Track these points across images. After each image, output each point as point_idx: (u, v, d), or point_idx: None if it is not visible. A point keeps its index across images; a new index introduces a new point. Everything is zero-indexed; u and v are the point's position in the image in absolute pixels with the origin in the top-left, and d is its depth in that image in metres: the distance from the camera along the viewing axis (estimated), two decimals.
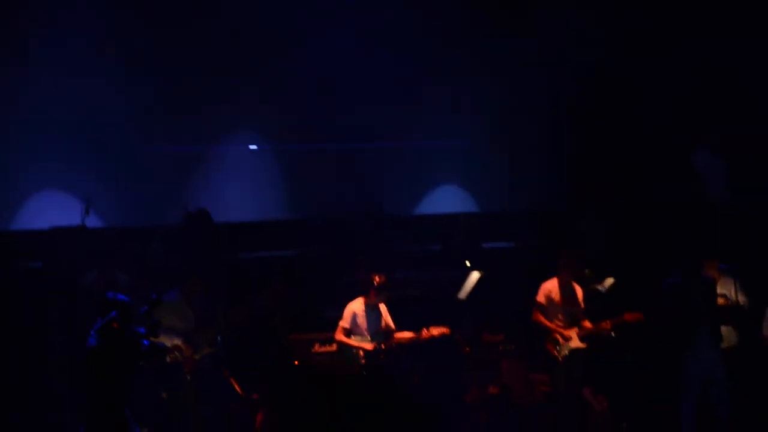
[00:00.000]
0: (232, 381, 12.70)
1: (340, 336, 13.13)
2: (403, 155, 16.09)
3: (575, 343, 13.24)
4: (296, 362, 13.65)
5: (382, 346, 13.00)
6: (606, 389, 13.37)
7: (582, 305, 13.43)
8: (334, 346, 13.41)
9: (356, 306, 13.17)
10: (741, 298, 13.45)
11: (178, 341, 12.55)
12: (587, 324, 13.33)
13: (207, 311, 12.90)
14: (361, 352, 13.00)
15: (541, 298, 13.35)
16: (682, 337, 11.84)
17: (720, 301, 12.45)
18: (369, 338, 13.07)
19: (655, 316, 12.46)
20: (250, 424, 12.73)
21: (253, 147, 16.07)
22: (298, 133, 15.86)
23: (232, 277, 13.94)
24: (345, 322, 13.13)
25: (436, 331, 13.08)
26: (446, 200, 15.92)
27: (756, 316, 13.64)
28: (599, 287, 14.23)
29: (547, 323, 13.28)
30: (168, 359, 12.35)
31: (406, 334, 13.14)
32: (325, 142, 15.89)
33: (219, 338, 12.76)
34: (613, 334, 13.33)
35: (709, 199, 15.00)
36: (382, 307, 13.22)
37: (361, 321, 13.11)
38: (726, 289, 12.79)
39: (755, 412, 11.90)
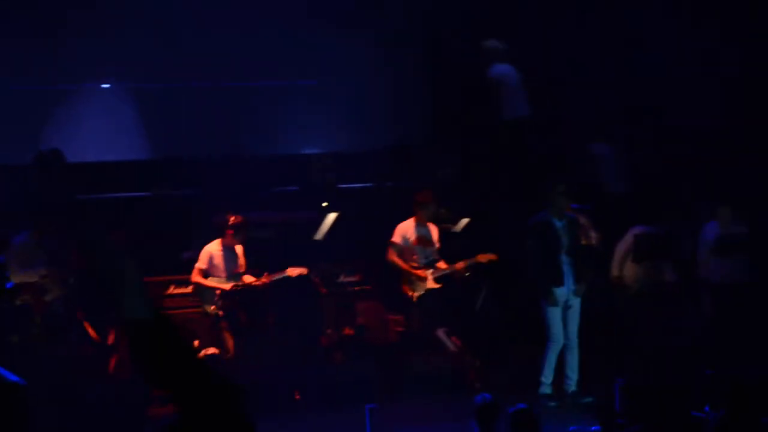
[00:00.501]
0: (86, 324, 12.54)
1: (196, 277, 13.06)
2: (262, 95, 15.97)
3: (430, 283, 13.38)
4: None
5: (239, 287, 12.97)
6: (460, 329, 13.56)
7: (437, 245, 13.56)
8: (190, 288, 13.35)
9: (213, 247, 13.11)
10: (594, 237, 13.76)
11: (43, 270, 12.34)
12: (442, 264, 13.47)
13: (59, 253, 12.70)
14: (218, 293, 12.96)
15: (396, 238, 13.43)
16: (546, 275, 12.05)
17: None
18: (225, 279, 13.03)
19: (520, 253, 12.64)
20: (105, 368, 12.62)
21: (105, 86, 15.82)
22: (154, 71, 15.63)
23: (86, 219, 13.72)
24: (201, 264, 13.07)
25: (294, 272, 13.09)
26: (303, 140, 15.84)
27: (607, 256, 14.00)
28: (454, 227, 14.39)
29: (403, 264, 13.38)
30: (18, 301, 12.15)
31: (249, 279, 13.10)
32: (181, 82, 15.69)
33: (71, 280, 12.58)
34: (467, 275, 13.51)
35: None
36: (239, 248, 13.17)
37: (218, 262, 13.05)
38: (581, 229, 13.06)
39: (603, 350, 12.20)
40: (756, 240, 14.12)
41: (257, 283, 13.00)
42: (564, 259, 12.12)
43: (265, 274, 13.06)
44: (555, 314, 12.11)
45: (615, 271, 14.19)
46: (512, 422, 8.20)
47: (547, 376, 12.23)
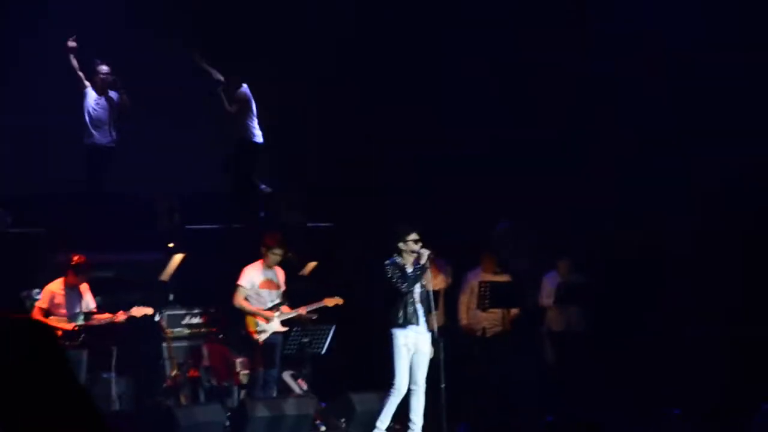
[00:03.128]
0: None
1: (36, 316, 12.80)
2: None
3: (276, 326, 13.38)
4: None
5: (80, 327, 12.76)
6: (306, 373, 13.59)
7: (283, 288, 13.57)
8: None
9: (55, 286, 12.89)
10: (443, 281, 14.01)
11: None
12: (287, 308, 13.49)
13: None
14: (59, 333, 12.72)
15: (243, 281, 13.36)
16: (396, 318, 12.05)
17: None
18: (67, 319, 12.82)
19: (368, 297, 12.69)
20: None
21: None
22: None
23: None
24: (42, 303, 12.85)
25: (138, 312, 12.95)
26: (148, 179, 15.64)
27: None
28: (301, 271, 14.45)
29: (249, 306, 13.33)
30: None
31: (108, 315, 12.97)
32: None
33: None
34: (313, 318, 13.56)
35: None
36: (83, 288, 12.98)
37: (60, 301, 12.84)
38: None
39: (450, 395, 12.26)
40: (593, 289, 14.57)
41: (102, 320, 12.83)
42: (415, 303, 12.15)
43: (120, 311, 12.90)
44: (402, 360, 12.09)
45: (463, 320, 14.49)
46: None
47: (383, 421, 12.18)
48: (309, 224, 15.62)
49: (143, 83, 15.22)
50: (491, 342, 14.40)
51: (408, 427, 12.25)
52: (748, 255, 14.29)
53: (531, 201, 15.16)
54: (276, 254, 13.45)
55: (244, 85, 14.96)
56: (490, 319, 14.30)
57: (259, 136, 14.94)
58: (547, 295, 14.56)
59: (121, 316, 12.86)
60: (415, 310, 12.06)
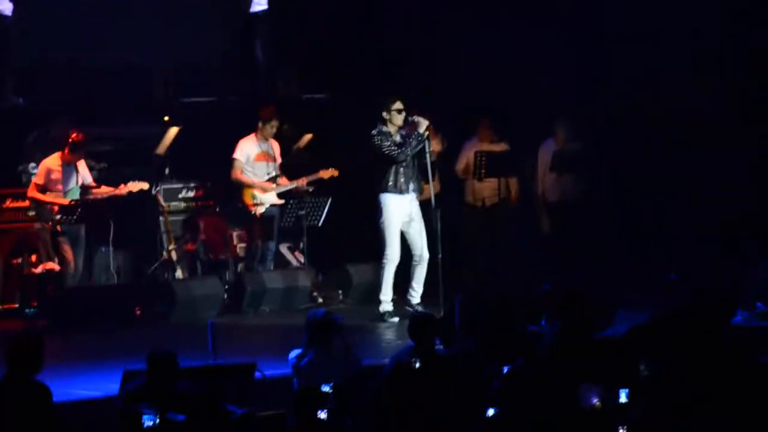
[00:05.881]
0: None
1: (33, 192, 12.84)
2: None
3: (272, 198, 13.40)
4: None
5: (73, 202, 12.76)
6: (304, 244, 13.64)
7: (279, 160, 13.56)
8: (27, 202, 13.13)
9: (51, 162, 12.85)
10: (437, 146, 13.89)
11: None
12: (284, 180, 13.50)
13: None
14: (56, 208, 12.76)
15: (238, 154, 13.37)
16: (385, 183, 12.03)
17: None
18: (63, 195, 12.83)
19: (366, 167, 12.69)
20: None
21: None
22: None
23: None
24: (39, 179, 12.83)
25: (135, 186, 12.97)
26: (143, 52, 15.47)
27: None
28: (297, 143, 14.42)
29: (246, 179, 13.35)
30: None
31: (105, 189, 13.00)
32: None
33: None
34: (310, 190, 13.58)
35: None
36: (80, 164, 12.97)
37: (56, 177, 12.82)
38: None
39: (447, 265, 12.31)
40: (591, 156, 14.46)
41: (99, 195, 12.87)
42: (407, 170, 12.10)
43: (122, 184, 12.91)
44: (392, 228, 12.09)
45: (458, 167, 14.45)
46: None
47: (386, 293, 12.22)
48: (304, 96, 15.52)
49: None
50: (489, 212, 14.39)
51: (409, 294, 12.27)
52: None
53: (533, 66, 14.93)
54: (271, 126, 13.42)
55: None
56: (489, 189, 14.24)
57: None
58: (543, 163, 14.48)
59: (117, 191, 12.88)
60: (407, 178, 12.02)
